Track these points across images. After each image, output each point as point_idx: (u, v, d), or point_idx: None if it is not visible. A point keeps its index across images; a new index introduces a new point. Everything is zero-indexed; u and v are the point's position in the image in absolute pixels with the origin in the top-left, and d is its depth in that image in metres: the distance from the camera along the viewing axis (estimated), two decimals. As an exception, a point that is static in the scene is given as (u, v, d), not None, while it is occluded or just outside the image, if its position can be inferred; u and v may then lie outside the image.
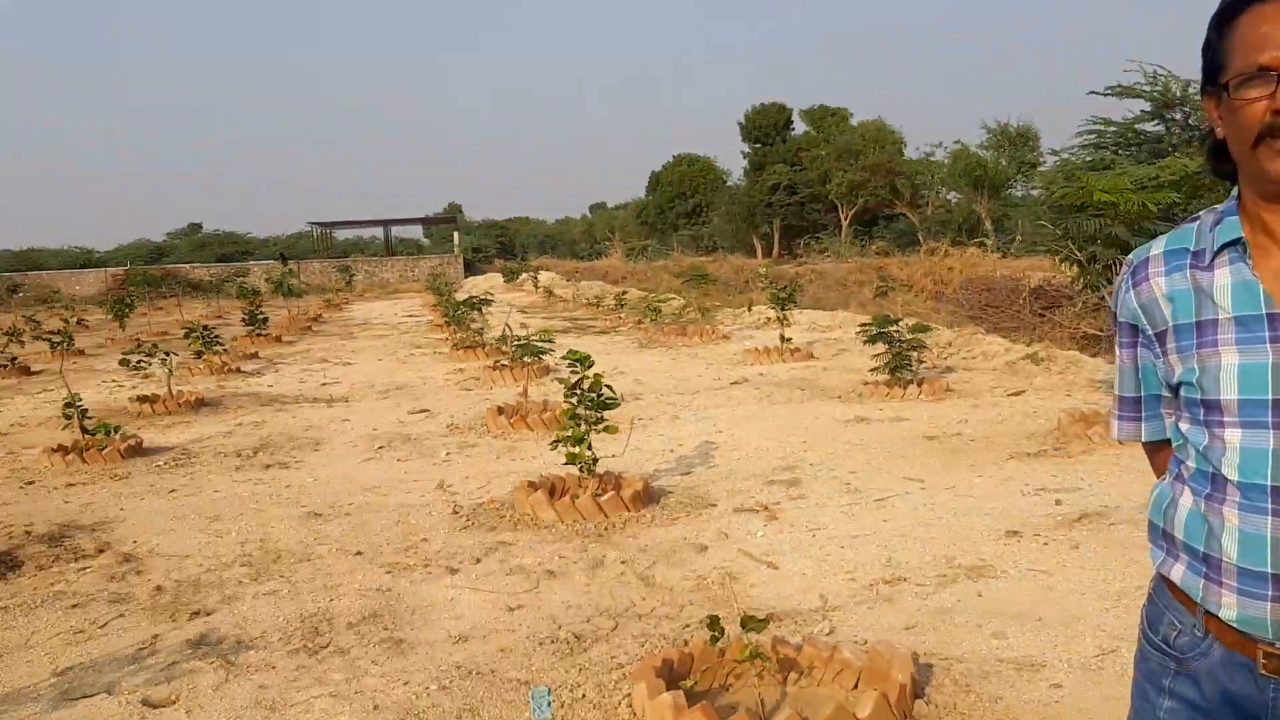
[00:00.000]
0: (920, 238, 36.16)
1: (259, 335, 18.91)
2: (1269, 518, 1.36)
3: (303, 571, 5.45)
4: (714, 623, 3.56)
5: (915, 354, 9.90)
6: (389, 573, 5.37)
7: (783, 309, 13.07)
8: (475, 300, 15.14)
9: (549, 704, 3.68)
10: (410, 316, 26.33)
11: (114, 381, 14.09)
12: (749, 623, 3.47)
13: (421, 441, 8.88)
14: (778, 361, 12.56)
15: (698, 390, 10.86)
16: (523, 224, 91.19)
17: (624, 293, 22.45)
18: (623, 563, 5.30)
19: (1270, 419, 1.36)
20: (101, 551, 5.99)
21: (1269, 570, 1.36)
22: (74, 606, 5.06)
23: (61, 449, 8.57)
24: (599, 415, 6.42)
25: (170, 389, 11.43)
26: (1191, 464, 1.49)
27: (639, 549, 5.51)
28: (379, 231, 65.39)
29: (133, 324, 24.69)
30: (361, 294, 41.99)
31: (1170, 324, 1.48)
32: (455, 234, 57.94)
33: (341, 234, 67.30)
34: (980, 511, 5.76)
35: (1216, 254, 1.44)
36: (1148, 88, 26.32)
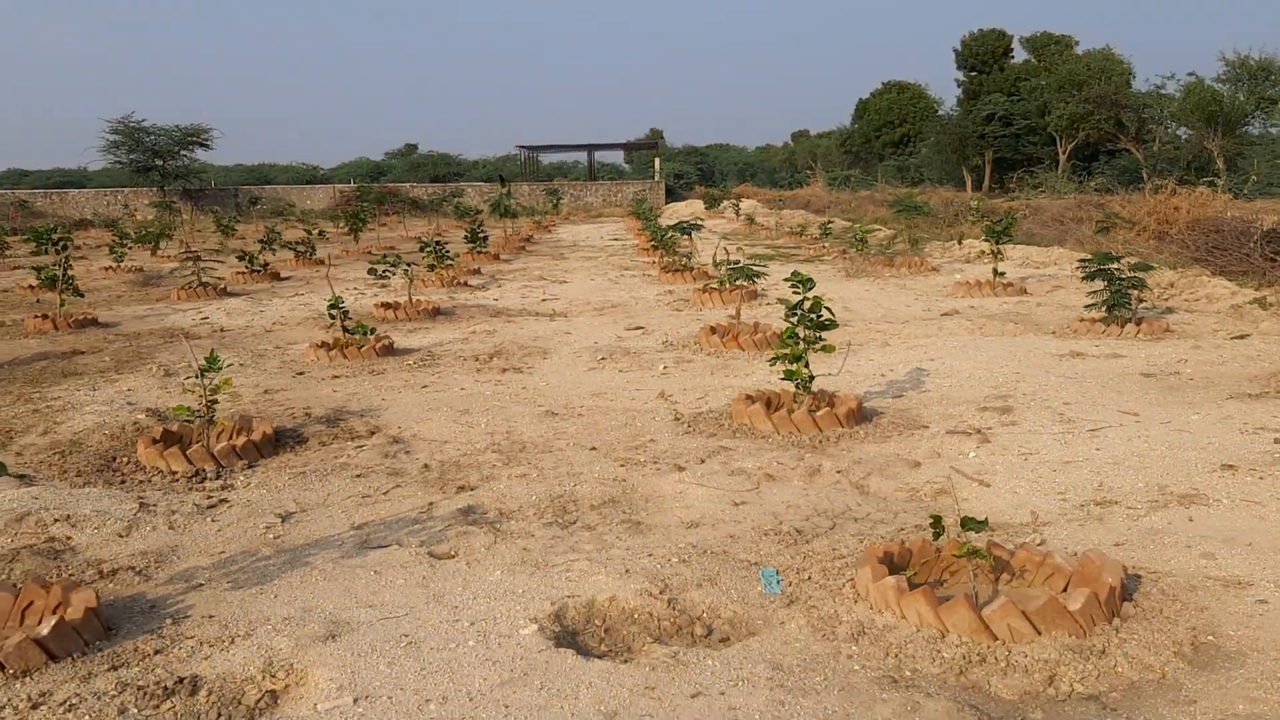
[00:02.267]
0: (1144, 175, 34.30)
1: (479, 253, 20.01)
2: None
3: (546, 460, 6.09)
4: (937, 521, 3.92)
5: (1135, 293, 9.75)
6: (622, 466, 5.94)
7: (997, 242, 12.96)
8: (685, 225, 15.60)
9: (778, 581, 4.16)
10: (615, 240, 27.12)
11: (356, 289, 15.35)
12: (968, 522, 3.81)
13: (640, 355, 9.46)
14: (989, 295, 12.53)
15: (907, 320, 11.03)
16: (722, 151, 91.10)
17: (829, 222, 22.44)
18: (838, 472, 5.70)
19: None
20: (373, 434, 6.82)
21: None
22: (358, 476, 5.87)
23: (324, 345, 9.59)
24: (817, 335, 6.78)
25: (410, 298, 12.44)
26: None
27: (853, 461, 5.89)
28: (582, 156, 66.72)
29: (363, 238, 26.46)
30: (567, 217, 43.24)
31: None
32: (656, 160, 58.58)
33: (546, 158, 69.15)
34: (1196, 446, 5.85)
35: None
36: None
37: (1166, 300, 11.57)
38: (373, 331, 9.58)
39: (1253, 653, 3.45)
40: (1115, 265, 9.88)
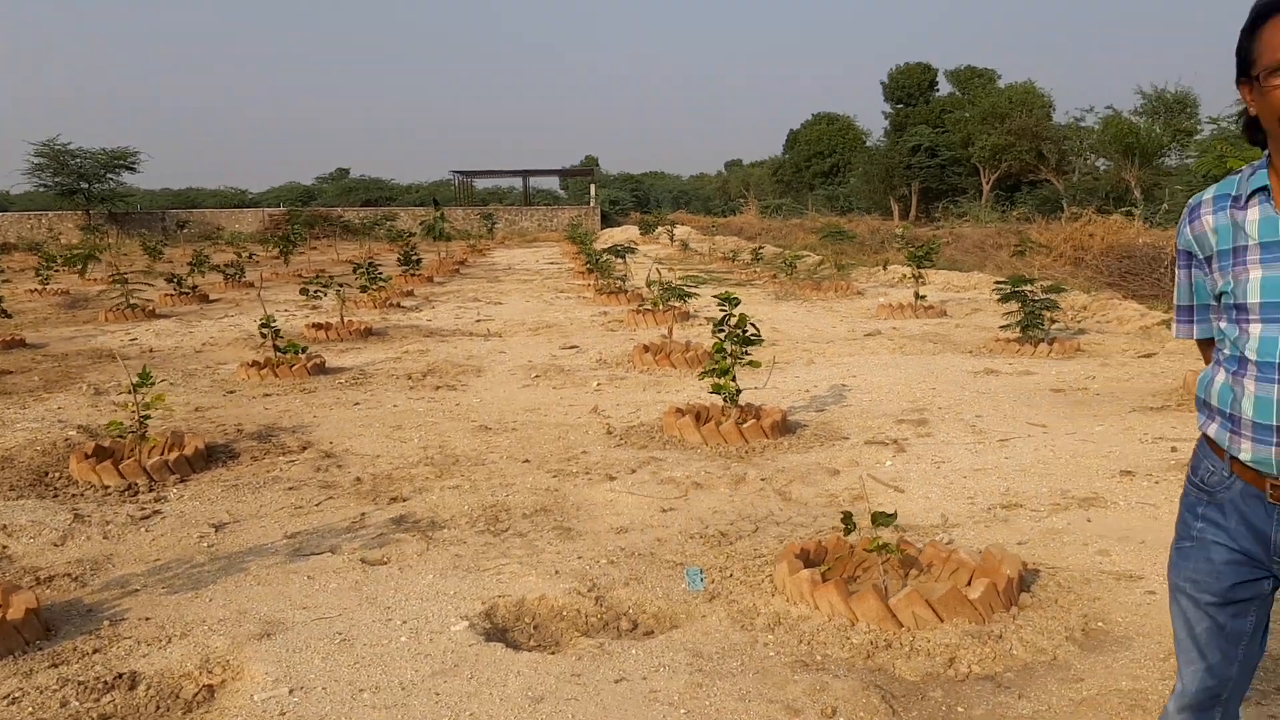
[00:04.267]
0: (1064, 204, 35.36)
1: (413, 275, 20.05)
2: (1275, 385, 1.89)
3: (479, 472, 6.23)
4: (847, 517, 4.15)
5: (1048, 314, 10.16)
6: (554, 476, 6.10)
7: (918, 266, 13.39)
8: (620, 248, 15.84)
9: (702, 579, 4.34)
10: (551, 264, 27.30)
11: (286, 310, 15.32)
12: (878, 517, 4.05)
13: (574, 373, 9.63)
14: (911, 317, 12.92)
15: (831, 340, 11.35)
16: (657, 178, 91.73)
17: (759, 248, 22.87)
18: (762, 480, 5.91)
19: None
20: (304, 449, 6.89)
21: (1274, 423, 1.89)
22: (290, 489, 5.95)
23: (256, 364, 9.62)
24: (743, 350, 7.02)
25: (342, 318, 12.48)
26: (1226, 351, 2.02)
27: (777, 470, 6.12)
28: (517, 182, 66.85)
29: (293, 261, 26.33)
30: (502, 241, 43.30)
31: (1215, 249, 2.02)
32: (591, 186, 58.91)
33: (480, 183, 69.20)
34: (1098, 454, 6.18)
35: (1249, 197, 1.96)
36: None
37: (1079, 322, 12.05)
38: (304, 350, 9.63)
39: (1139, 637, 3.71)
40: (1029, 288, 10.30)
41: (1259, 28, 1.90)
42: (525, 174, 62.17)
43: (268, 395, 8.74)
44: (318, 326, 12.32)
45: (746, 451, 6.55)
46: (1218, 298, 2.04)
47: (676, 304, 12.38)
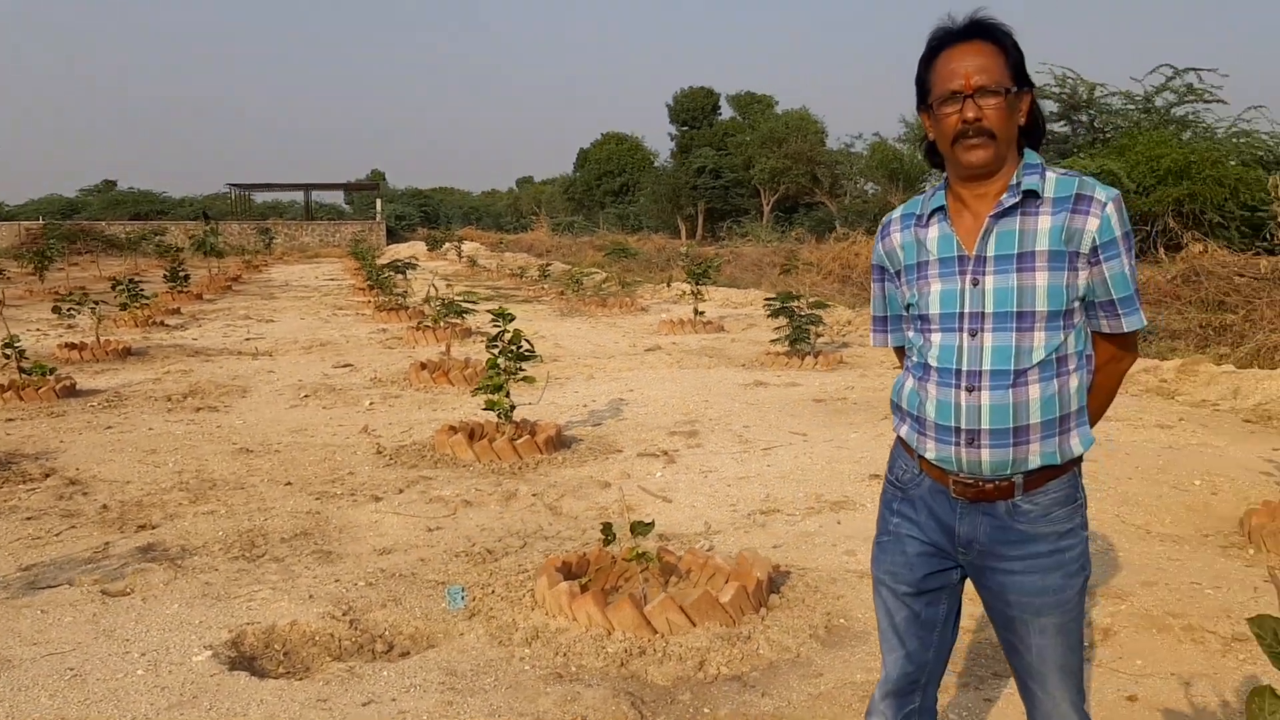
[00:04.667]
0: (837, 225, 37.18)
1: (180, 292, 19.04)
2: (953, 390, 2.05)
3: (237, 497, 5.97)
4: (607, 528, 4.21)
5: (814, 328, 10.65)
6: (317, 499, 5.92)
7: (697, 283, 13.78)
8: (399, 264, 15.57)
9: (463, 597, 4.31)
10: (331, 280, 26.55)
11: (39, 330, 14.26)
12: (637, 526, 4.13)
13: (346, 392, 9.38)
14: (690, 333, 13.28)
15: (613, 355, 11.52)
16: (447, 194, 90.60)
17: (548, 265, 22.98)
18: (533, 495, 5.93)
19: (957, 326, 2.05)
20: (47, 476, 6.43)
21: (953, 424, 2.06)
22: (28, 519, 5.53)
23: (-2, 387, 8.90)
24: (518, 366, 7.02)
25: (98, 337, 11.72)
26: (914, 358, 2.18)
27: (549, 485, 6.15)
28: (298, 196, 64.62)
29: (50, 278, 24.58)
30: (281, 257, 41.75)
31: (903, 264, 2.17)
32: (378, 201, 57.60)
33: (260, 197, 66.52)
34: (851, 460, 6.52)
35: (929, 216, 2.13)
36: (1056, 89, 27.64)
37: (843, 336, 12.70)
38: (53, 372, 8.99)
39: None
40: (797, 304, 10.76)
41: (933, 60, 2.06)
42: (307, 188, 60.19)
43: (10, 420, 8.11)
44: (71, 346, 11.53)
45: (520, 468, 6.55)
46: (907, 308, 2.20)
47: (456, 320, 12.26)
